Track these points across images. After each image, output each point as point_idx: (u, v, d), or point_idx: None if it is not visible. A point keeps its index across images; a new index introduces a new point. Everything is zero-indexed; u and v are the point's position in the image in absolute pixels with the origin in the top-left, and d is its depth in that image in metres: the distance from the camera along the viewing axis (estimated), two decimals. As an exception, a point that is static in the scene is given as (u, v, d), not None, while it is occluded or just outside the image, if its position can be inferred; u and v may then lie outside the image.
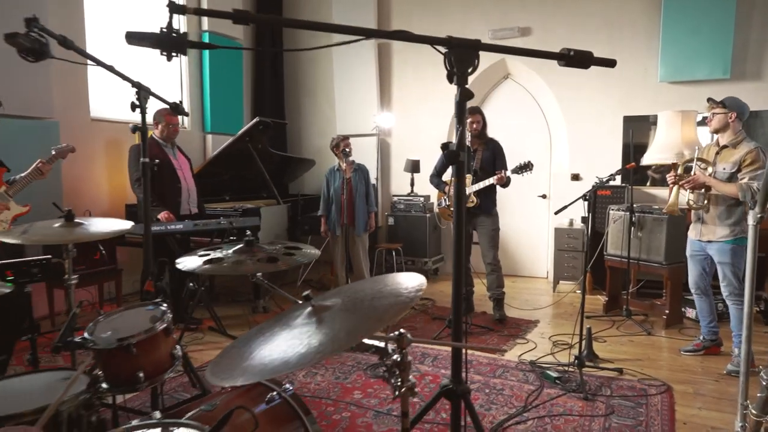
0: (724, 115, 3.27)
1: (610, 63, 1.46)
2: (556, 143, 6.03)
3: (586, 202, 3.29)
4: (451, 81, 1.37)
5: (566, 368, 3.34)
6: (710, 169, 3.31)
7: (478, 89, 6.33)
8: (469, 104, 1.52)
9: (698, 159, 3.37)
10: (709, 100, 3.35)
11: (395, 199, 6.35)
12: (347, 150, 4.55)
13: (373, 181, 6.49)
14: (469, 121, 4.35)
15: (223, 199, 5.65)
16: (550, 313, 4.80)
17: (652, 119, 5.40)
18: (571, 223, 5.58)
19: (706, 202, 3.36)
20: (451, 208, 4.32)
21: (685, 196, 3.43)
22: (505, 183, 4.26)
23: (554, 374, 3.18)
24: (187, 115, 3.96)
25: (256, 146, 5.23)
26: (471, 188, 4.35)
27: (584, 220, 5.61)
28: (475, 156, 4.39)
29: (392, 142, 6.76)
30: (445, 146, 1.38)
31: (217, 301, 5.11)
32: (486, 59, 6.06)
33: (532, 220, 6.25)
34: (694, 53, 5.13)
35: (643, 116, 5.46)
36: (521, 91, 6.20)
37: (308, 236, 5.45)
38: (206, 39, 6.13)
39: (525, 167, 4.05)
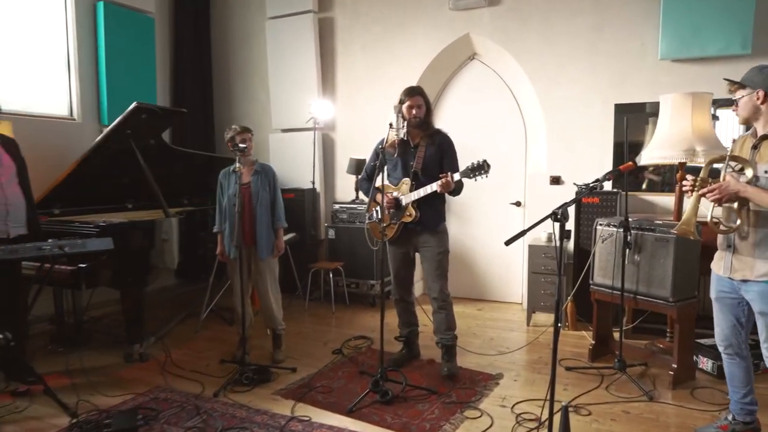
0: (748, 98, 2.19)
1: None
2: (533, 138, 4.89)
3: (556, 223, 2.14)
4: None
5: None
6: (748, 173, 2.17)
7: (438, 73, 5.19)
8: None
9: (731, 157, 2.24)
10: (728, 81, 2.27)
11: (336, 207, 5.18)
12: (242, 146, 3.38)
13: (294, 185, 5.36)
14: (406, 105, 3.21)
15: (124, 208, 4.48)
16: (520, 360, 3.65)
17: (651, 108, 4.27)
18: (549, 238, 4.44)
19: (739, 222, 2.23)
20: (384, 224, 3.16)
21: (709, 211, 2.29)
22: (454, 190, 3.11)
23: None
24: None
25: (145, 141, 4.05)
26: (407, 197, 3.20)
27: (567, 234, 4.47)
28: (415, 153, 3.24)
29: (337, 137, 5.59)
30: None
31: (89, 343, 3.92)
32: (447, 35, 4.92)
33: (504, 233, 5.08)
34: (705, 23, 4.01)
35: (639, 104, 4.34)
36: (490, 75, 5.06)
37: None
38: (101, 10, 4.94)
39: (478, 169, 2.90)
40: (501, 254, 5.12)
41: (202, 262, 4.39)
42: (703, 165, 2.31)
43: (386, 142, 3.22)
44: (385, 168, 3.41)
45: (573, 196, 4.32)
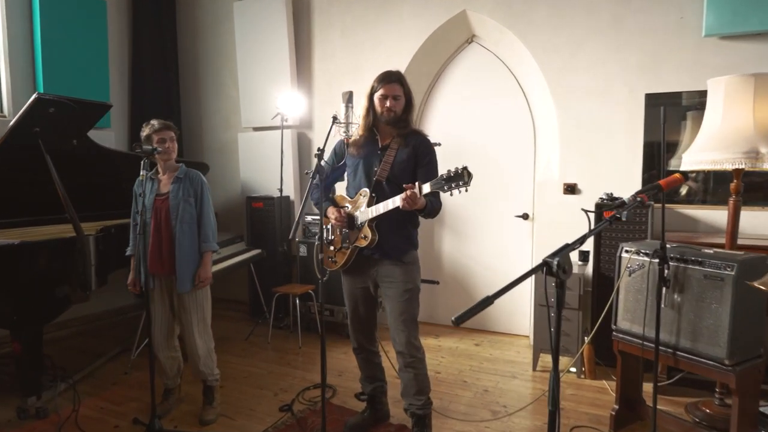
0: None
1: None
2: (543, 137, 4.02)
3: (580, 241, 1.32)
4: None
5: None
6: None
7: (430, 61, 4.36)
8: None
9: None
10: None
11: (309, 219, 4.38)
12: (159, 148, 2.61)
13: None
14: (380, 94, 2.40)
15: (43, 221, 3.75)
16: (521, 428, 2.79)
17: (688, 98, 3.39)
18: (562, 261, 3.56)
19: None
20: (335, 248, 2.36)
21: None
22: (426, 208, 2.29)
23: None
24: None
25: (65, 142, 3.33)
26: (363, 213, 2.39)
27: (583, 255, 3.60)
28: (381, 157, 2.42)
29: (315, 136, 4.80)
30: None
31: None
32: (439, 13, 4.10)
33: (509, 252, 4.24)
34: (764, -12, 3.11)
35: (674, 93, 3.45)
36: (492, 61, 4.20)
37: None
38: (38, -10, 4.24)
39: (455, 179, 2.06)
40: (504, 276, 4.25)
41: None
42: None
43: (346, 139, 2.42)
44: (345, 174, 2.62)
45: (592, 209, 3.48)
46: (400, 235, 2.41)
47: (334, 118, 2.30)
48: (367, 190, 2.41)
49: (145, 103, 5.13)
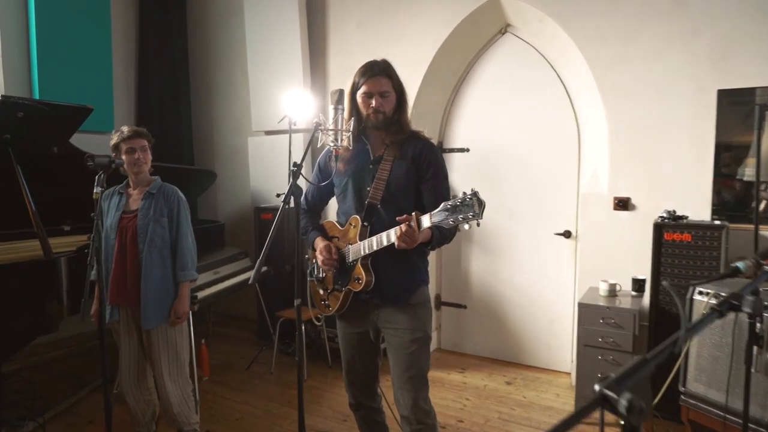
0: None
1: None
2: (589, 142, 3.43)
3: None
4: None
5: None
6: None
7: (457, 55, 3.84)
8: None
9: None
10: None
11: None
12: (118, 160, 2.20)
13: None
14: (362, 92, 1.92)
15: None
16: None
17: (763, 95, 2.75)
18: (612, 291, 2.98)
19: None
20: (327, 290, 1.89)
21: None
22: (434, 240, 1.80)
23: None
24: None
25: (44, 149, 2.98)
26: (354, 248, 1.90)
27: (638, 285, 3.00)
28: (374, 172, 1.93)
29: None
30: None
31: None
32: (469, 0, 3.58)
33: (547, 274, 3.67)
34: None
35: (747, 89, 2.82)
36: (529, 54, 3.64)
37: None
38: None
39: (463, 209, 1.53)
40: (542, 303, 3.69)
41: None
42: None
43: (337, 148, 1.94)
44: (335, 193, 2.14)
45: (651, 230, 2.89)
46: (402, 271, 1.90)
47: (317, 125, 1.83)
48: (358, 218, 1.92)
49: (153, 104, 4.80)
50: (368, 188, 1.92)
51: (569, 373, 3.57)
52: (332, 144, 1.84)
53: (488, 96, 3.81)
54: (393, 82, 1.95)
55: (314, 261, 2.08)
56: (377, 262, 1.86)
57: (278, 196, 4.26)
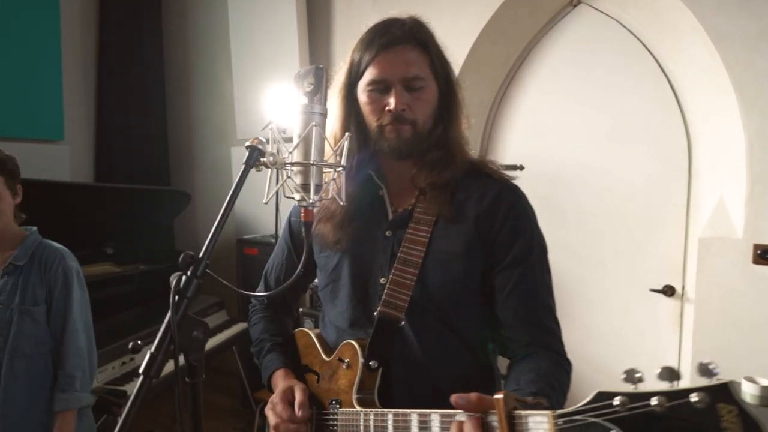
0: None
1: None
2: (708, 161, 2.34)
3: None
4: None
5: None
6: None
7: (511, 38, 2.80)
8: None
9: None
10: None
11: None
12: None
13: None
14: (369, 79, 0.93)
15: None
16: None
17: None
18: (766, 395, 1.88)
19: None
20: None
21: None
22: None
23: None
24: None
25: None
26: (348, 418, 0.86)
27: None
28: (397, 247, 0.89)
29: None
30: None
31: None
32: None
33: (633, 346, 2.59)
34: None
35: None
36: (615, 33, 2.57)
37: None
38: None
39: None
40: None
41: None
42: None
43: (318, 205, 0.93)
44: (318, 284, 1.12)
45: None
46: None
47: (253, 149, 0.84)
48: (356, 347, 0.91)
49: (120, 108, 3.84)
50: (382, 280, 0.90)
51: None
52: (298, 199, 0.84)
53: (551, 93, 2.75)
54: (431, 58, 0.94)
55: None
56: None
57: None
